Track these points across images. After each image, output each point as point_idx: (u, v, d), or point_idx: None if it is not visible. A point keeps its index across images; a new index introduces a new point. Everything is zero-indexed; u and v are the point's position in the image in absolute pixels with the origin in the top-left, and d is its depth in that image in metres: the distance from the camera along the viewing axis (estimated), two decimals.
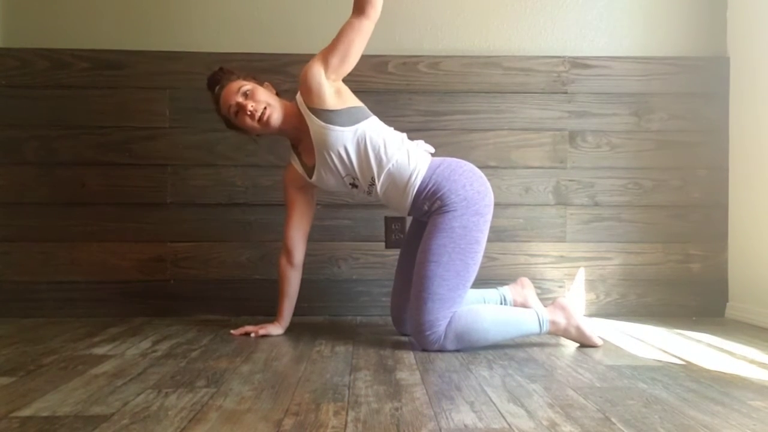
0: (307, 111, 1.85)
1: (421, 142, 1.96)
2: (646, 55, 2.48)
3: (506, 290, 2.11)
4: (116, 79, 2.39)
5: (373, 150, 1.84)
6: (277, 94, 1.99)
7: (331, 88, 1.84)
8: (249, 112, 1.87)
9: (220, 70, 1.98)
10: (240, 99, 1.89)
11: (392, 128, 1.93)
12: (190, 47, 2.42)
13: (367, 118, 1.87)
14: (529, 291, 2.11)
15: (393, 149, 1.85)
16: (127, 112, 2.39)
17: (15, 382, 1.44)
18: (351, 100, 1.87)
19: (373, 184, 1.88)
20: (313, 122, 1.84)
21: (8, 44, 2.41)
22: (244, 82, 1.92)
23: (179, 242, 2.40)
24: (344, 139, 1.83)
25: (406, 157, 1.85)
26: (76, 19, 2.43)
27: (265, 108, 1.88)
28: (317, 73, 1.82)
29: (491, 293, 2.08)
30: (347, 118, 1.83)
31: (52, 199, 2.38)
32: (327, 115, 1.82)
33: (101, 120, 2.38)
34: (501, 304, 2.07)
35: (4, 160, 2.37)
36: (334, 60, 1.82)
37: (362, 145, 1.84)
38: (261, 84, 1.96)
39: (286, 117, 1.91)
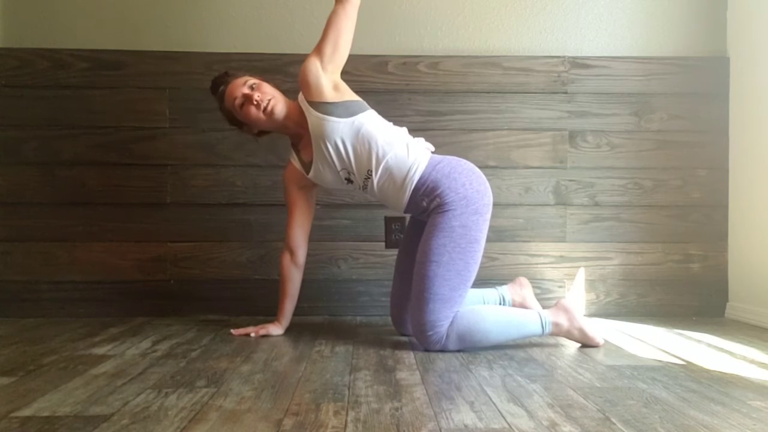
0: (307, 105, 1.88)
1: (421, 140, 1.97)
2: (646, 55, 2.48)
3: (505, 290, 2.11)
4: (116, 79, 2.39)
5: (370, 142, 1.84)
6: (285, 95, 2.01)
7: (329, 82, 1.86)
8: (255, 102, 1.89)
9: (226, 74, 2.00)
10: (246, 90, 1.91)
11: (392, 124, 1.93)
12: (190, 47, 2.42)
13: (364, 111, 1.88)
14: (528, 290, 2.12)
15: (391, 141, 1.85)
16: (126, 112, 2.39)
17: (15, 382, 1.44)
18: (349, 95, 1.89)
19: (369, 177, 1.87)
20: (311, 114, 1.86)
21: (8, 44, 2.41)
22: (251, 78, 1.95)
23: (179, 242, 2.40)
24: (341, 130, 1.84)
25: (405, 150, 1.85)
26: (76, 19, 2.43)
27: (270, 99, 1.91)
28: (313, 66, 1.85)
29: (490, 293, 2.08)
30: (344, 110, 1.85)
31: (52, 199, 2.38)
32: (324, 107, 1.84)
33: (101, 120, 2.38)
34: (500, 303, 2.07)
35: (4, 160, 2.37)
36: (327, 49, 1.85)
37: (359, 137, 1.84)
38: (267, 80, 1.99)
39: (289, 112, 1.93)
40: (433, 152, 1.95)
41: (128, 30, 2.44)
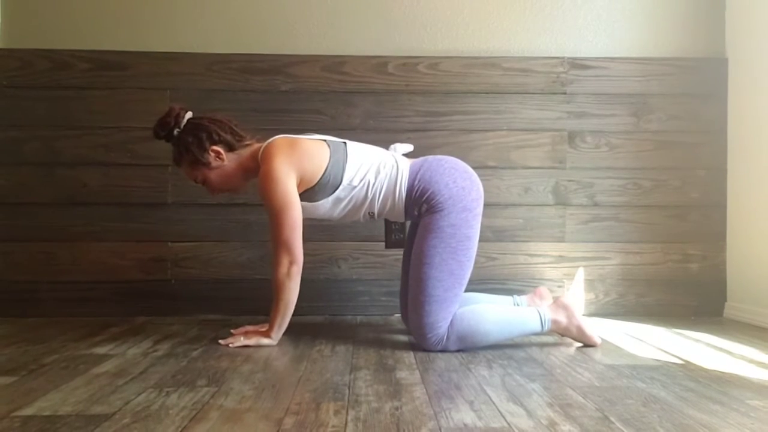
0: None
1: (398, 146, 1.97)
2: (645, 56, 2.49)
3: (522, 300, 2.10)
4: (117, 79, 2.39)
5: (360, 200, 1.84)
6: (234, 146, 1.86)
7: (294, 183, 1.78)
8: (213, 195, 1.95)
9: (156, 135, 1.85)
10: (199, 184, 1.90)
11: (364, 152, 1.87)
12: (191, 48, 2.43)
13: (342, 174, 1.81)
14: (547, 303, 2.09)
15: (377, 184, 1.83)
16: (127, 113, 2.39)
17: (16, 382, 1.44)
18: (318, 171, 1.80)
19: (371, 217, 1.90)
20: None
21: (9, 45, 2.41)
22: (195, 173, 1.86)
23: (180, 242, 2.41)
24: (329, 207, 1.85)
25: (385, 178, 1.84)
26: (77, 20, 2.44)
27: (227, 191, 1.92)
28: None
29: (505, 301, 2.08)
30: (323, 191, 1.82)
31: (53, 199, 2.38)
32: (304, 196, 1.82)
33: (102, 120, 2.39)
34: None
35: (5, 160, 2.37)
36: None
37: (349, 202, 1.85)
38: (208, 162, 1.83)
39: (253, 173, 1.87)
40: (411, 152, 1.97)
41: (129, 31, 2.44)
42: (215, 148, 1.83)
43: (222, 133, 1.84)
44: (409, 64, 2.44)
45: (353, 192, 1.83)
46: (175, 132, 1.84)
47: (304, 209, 1.83)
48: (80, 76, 2.39)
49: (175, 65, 2.40)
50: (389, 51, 2.46)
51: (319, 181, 1.80)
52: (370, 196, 1.84)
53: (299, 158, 1.78)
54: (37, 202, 2.38)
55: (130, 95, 2.40)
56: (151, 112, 2.38)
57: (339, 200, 1.84)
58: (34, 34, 2.43)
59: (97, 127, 2.39)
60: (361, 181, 1.82)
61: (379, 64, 2.43)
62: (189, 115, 1.87)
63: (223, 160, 1.85)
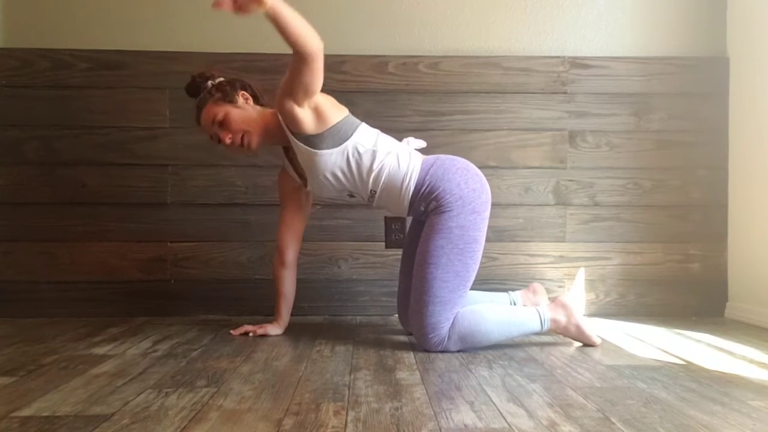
0: (291, 135, 1.81)
1: (411, 140, 1.96)
2: (646, 55, 2.49)
3: (517, 296, 2.10)
4: (117, 79, 2.39)
5: (365, 166, 1.81)
6: (260, 100, 1.92)
7: (309, 111, 1.76)
8: (228, 143, 1.85)
9: (193, 81, 1.92)
10: (216, 130, 1.86)
11: (378, 132, 1.88)
12: (190, 47, 2.43)
13: (353, 132, 1.80)
14: (541, 298, 2.10)
15: (383, 160, 1.81)
16: (127, 113, 2.39)
17: (15, 382, 1.44)
18: (333, 116, 1.79)
19: (372, 196, 1.87)
20: (298, 147, 1.80)
21: (9, 44, 2.41)
22: (217, 109, 1.85)
23: (180, 242, 2.40)
24: (333, 161, 1.80)
25: (396, 162, 1.82)
26: (77, 19, 2.44)
27: (242, 136, 1.85)
28: (287, 106, 1.74)
29: (501, 297, 2.08)
30: (331, 140, 1.78)
31: (52, 199, 2.38)
32: (311, 140, 1.78)
33: (102, 120, 2.39)
34: None
35: (4, 160, 2.37)
36: (299, 96, 1.73)
37: (352, 164, 1.81)
38: (235, 100, 1.87)
39: (270, 133, 1.86)
40: (424, 150, 1.95)
41: (129, 30, 2.44)
42: (245, 93, 1.90)
43: (253, 87, 1.94)
44: (409, 63, 2.44)
45: (359, 155, 1.80)
46: (209, 83, 1.90)
47: (313, 165, 1.80)
48: (80, 75, 2.39)
49: (174, 64, 2.40)
50: (389, 50, 2.45)
51: (329, 128, 1.77)
52: (375, 168, 1.81)
53: (321, 94, 1.78)
54: (37, 202, 2.38)
55: (130, 95, 2.39)
56: (151, 111, 2.40)
57: (343, 156, 1.79)
58: (34, 33, 2.42)
59: (96, 126, 2.39)
60: (370, 148, 1.81)
61: (380, 63, 2.43)
62: (222, 79, 1.94)
63: (249, 105, 1.89)
